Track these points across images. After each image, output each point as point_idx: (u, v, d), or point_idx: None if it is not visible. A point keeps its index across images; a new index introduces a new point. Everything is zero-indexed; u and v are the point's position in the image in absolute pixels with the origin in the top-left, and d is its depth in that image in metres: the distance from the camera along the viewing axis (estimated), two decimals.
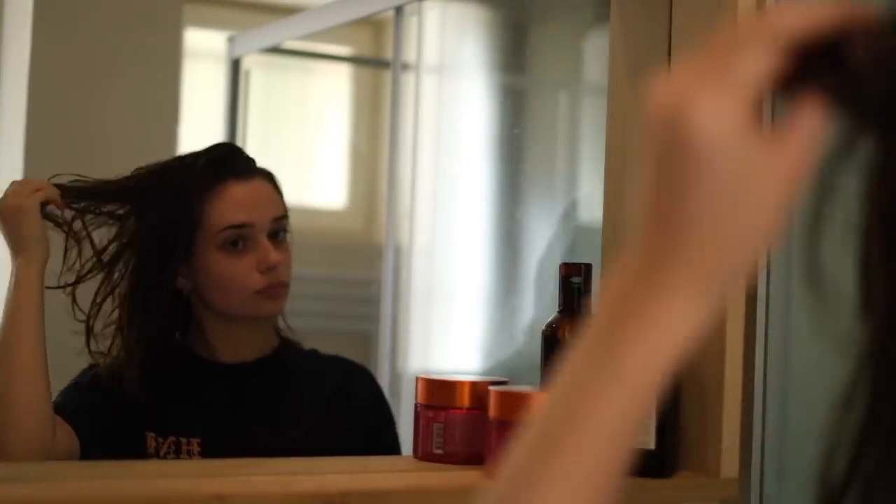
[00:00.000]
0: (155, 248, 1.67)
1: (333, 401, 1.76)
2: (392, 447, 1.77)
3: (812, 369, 1.40)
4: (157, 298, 1.67)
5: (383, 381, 2.62)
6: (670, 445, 1.28)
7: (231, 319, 1.71)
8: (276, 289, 1.69)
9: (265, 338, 1.75)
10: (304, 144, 3.88)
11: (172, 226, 1.67)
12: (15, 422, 1.51)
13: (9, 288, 1.58)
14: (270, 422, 1.70)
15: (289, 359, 1.76)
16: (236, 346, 1.73)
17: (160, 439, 1.66)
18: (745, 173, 0.55)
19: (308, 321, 1.83)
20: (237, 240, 1.67)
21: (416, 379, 1.34)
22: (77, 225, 1.65)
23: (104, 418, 1.65)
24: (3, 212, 1.59)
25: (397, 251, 2.82)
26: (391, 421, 1.82)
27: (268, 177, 1.76)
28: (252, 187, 1.71)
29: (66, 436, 1.57)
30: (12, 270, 1.58)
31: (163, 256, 1.67)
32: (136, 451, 1.63)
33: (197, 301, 1.72)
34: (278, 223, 1.72)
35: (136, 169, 1.72)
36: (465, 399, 1.29)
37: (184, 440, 1.65)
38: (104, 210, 1.68)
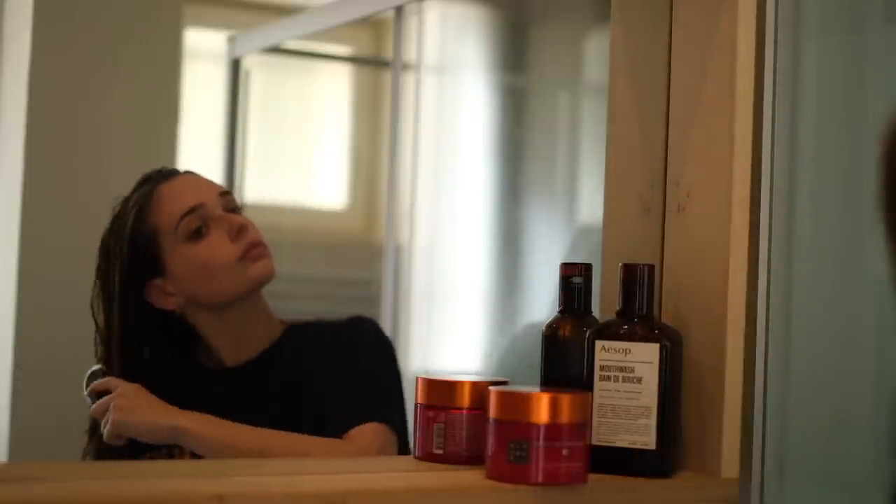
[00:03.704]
0: (122, 277, 1.69)
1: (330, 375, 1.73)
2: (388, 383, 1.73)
3: (813, 369, 1.40)
4: (137, 321, 1.69)
5: None
6: (670, 445, 1.28)
7: (228, 308, 1.71)
8: (255, 249, 1.70)
9: (266, 325, 1.75)
10: (304, 144, 3.88)
11: (132, 252, 1.69)
12: None
13: (203, 434, 1.59)
14: (263, 422, 1.69)
15: (293, 346, 1.75)
16: (240, 341, 1.73)
17: (154, 454, 1.67)
18: None
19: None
20: (198, 226, 1.69)
21: (417, 379, 1.34)
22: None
23: None
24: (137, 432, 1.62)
25: (397, 251, 2.83)
26: (379, 358, 1.76)
27: (195, 173, 1.79)
28: (183, 179, 1.76)
29: None
30: (188, 426, 1.59)
31: (128, 281, 1.69)
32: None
33: (193, 311, 1.72)
34: (228, 198, 1.74)
35: None
36: (465, 399, 1.29)
37: (176, 451, 1.65)
38: None
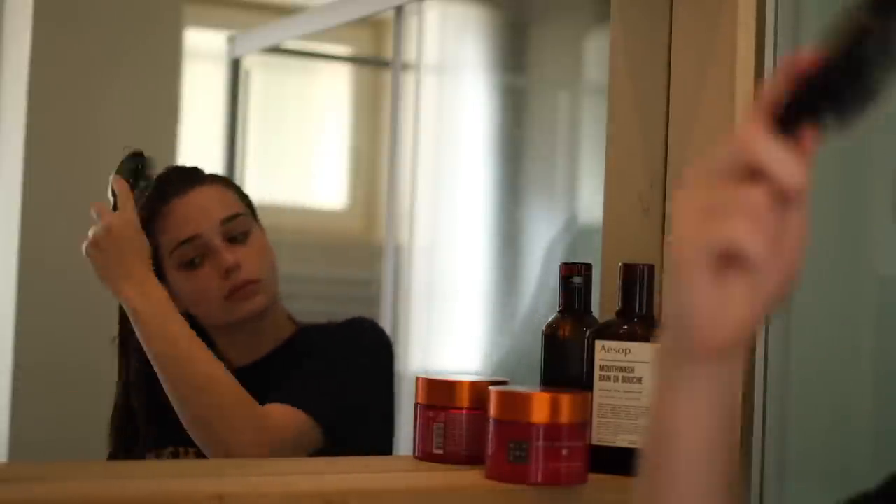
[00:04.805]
0: None
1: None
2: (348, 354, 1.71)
3: (813, 368, 1.40)
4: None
5: None
6: None
7: (224, 327, 1.71)
8: (243, 288, 1.67)
9: (275, 331, 1.75)
10: (304, 144, 3.88)
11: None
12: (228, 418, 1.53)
13: (138, 311, 1.57)
14: None
15: (298, 348, 1.75)
16: (247, 347, 1.73)
17: (160, 451, 1.67)
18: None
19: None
20: (192, 258, 1.67)
21: (416, 379, 1.34)
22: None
23: None
24: (111, 240, 1.60)
25: (397, 251, 2.82)
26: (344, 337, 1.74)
27: (212, 181, 1.75)
28: (192, 198, 1.70)
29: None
30: (132, 298, 1.58)
31: None
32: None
33: (198, 318, 1.73)
34: (232, 224, 1.70)
35: None
36: (465, 399, 1.29)
37: (181, 449, 1.66)
38: None
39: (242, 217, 1.72)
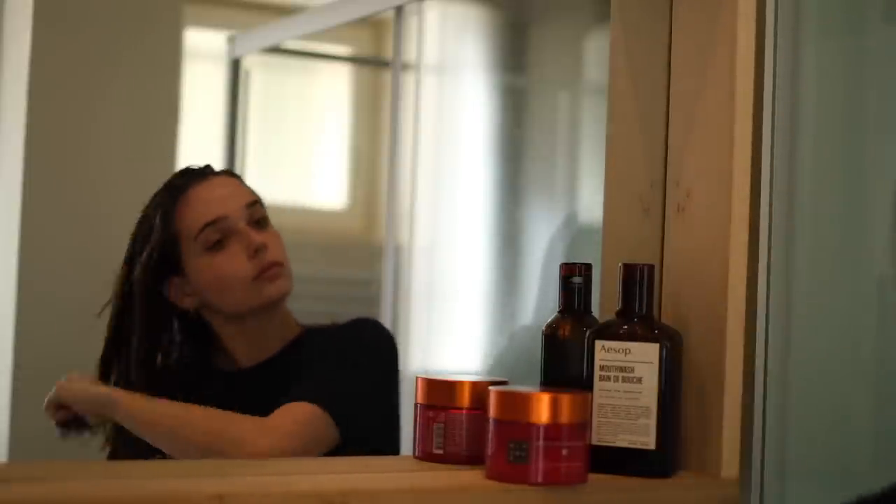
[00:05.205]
0: (143, 275, 1.70)
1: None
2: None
3: (813, 369, 1.40)
4: (154, 320, 1.69)
5: None
6: (670, 445, 1.28)
7: (244, 317, 1.72)
8: (270, 269, 1.70)
9: (282, 330, 1.75)
10: (304, 144, 3.88)
11: (156, 249, 1.70)
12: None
13: (127, 403, 1.62)
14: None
15: (303, 350, 1.75)
16: (255, 346, 1.74)
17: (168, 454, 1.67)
18: None
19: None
20: (219, 238, 1.69)
21: (416, 379, 1.34)
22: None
23: None
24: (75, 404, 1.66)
25: (397, 251, 2.83)
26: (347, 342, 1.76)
27: (228, 173, 1.79)
28: (214, 184, 1.74)
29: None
30: (115, 397, 1.64)
31: (150, 278, 1.70)
32: None
33: (209, 314, 1.73)
34: (254, 209, 1.73)
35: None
36: (465, 399, 1.29)
37: None
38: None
39: (260, 205, 1.75)
